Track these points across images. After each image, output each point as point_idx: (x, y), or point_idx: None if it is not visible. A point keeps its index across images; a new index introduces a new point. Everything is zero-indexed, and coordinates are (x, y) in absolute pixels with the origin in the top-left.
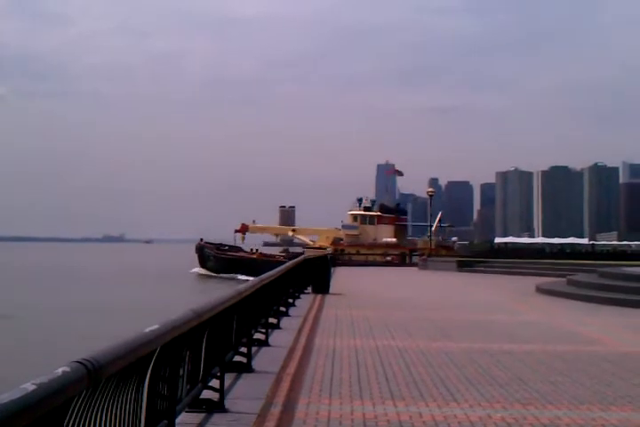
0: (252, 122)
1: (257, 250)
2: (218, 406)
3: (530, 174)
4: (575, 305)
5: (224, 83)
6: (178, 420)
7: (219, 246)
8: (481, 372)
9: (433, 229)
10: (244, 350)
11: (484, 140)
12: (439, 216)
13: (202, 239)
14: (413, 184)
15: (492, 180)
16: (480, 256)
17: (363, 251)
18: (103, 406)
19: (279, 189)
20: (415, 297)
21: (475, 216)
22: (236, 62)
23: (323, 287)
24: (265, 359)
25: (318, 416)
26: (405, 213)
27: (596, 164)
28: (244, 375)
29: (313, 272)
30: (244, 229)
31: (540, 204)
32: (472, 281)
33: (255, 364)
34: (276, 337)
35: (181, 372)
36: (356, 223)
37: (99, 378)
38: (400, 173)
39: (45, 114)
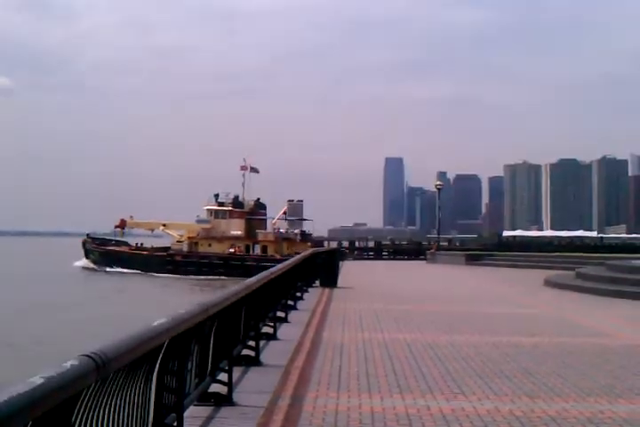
0: (261, 115)
1: (141, 244)
2: (226, 400)
3: (538, 167)
4: (583, 298)
5: (231, 76)
6: (186, 413)
7: (97, 241)
8: (488, 365)
9: (273, 221)
10: (252, 343)
11: (492, 134)
12: (284, 209)
13: (88, 235)
14: (422, 178)
15: (500, 173)
16: (488, 249)
17: (214, 243)
18: (111, 400)
19: (289, 183)
20: (423, 290)
21: (483, 209)
22: (243, 55)
23: (330, 281)
24: (273, 353)
25: (326, 410)
26: (264, 207)
27: (604, 156)
28: (253, 369)
29: (321, 266)
30: (122, 225)
31: (549, 197)
32: (480, 274)
33: (263, 357)
34: (284, 331)
35: (190, 365)
36: (210, 218)
37: (107, 372)
38: (255, 171)
39: (54, 108)
